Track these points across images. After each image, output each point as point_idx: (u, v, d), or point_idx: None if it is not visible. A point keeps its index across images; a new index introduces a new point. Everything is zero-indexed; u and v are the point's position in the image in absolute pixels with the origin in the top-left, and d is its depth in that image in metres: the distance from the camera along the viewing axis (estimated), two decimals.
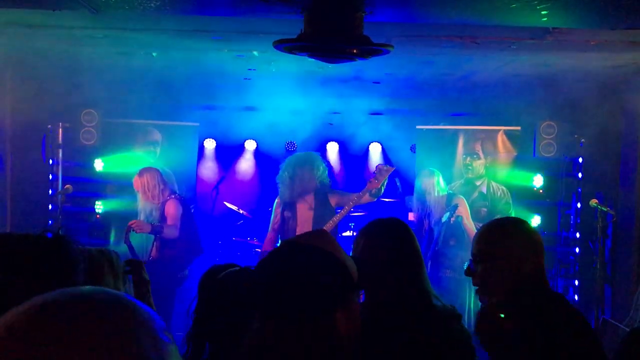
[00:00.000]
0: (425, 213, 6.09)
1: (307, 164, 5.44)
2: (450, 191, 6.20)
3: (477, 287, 2.19)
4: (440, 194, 6.04)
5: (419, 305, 2.23)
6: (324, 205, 5.42)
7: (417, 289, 2.25)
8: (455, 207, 5.77)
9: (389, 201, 7.07)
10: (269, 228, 5.61)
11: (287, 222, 5.40)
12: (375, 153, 7.70)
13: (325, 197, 5.44)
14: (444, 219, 5.77)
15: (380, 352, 2.13)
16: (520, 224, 2.25)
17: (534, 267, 2.12)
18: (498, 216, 6.47)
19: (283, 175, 5.47)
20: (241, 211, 6.99)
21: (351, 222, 6.79)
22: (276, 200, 5.59)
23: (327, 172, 5.54)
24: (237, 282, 1.79)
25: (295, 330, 1.35)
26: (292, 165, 5.46)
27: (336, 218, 5.36)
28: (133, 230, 5.46)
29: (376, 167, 5.51)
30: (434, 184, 6.05)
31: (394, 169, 5.59)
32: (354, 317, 1.42)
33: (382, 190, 5.39)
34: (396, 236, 2.29)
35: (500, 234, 2.17)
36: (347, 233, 6.87)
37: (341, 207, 5.46)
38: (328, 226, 5.30)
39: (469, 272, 2.18)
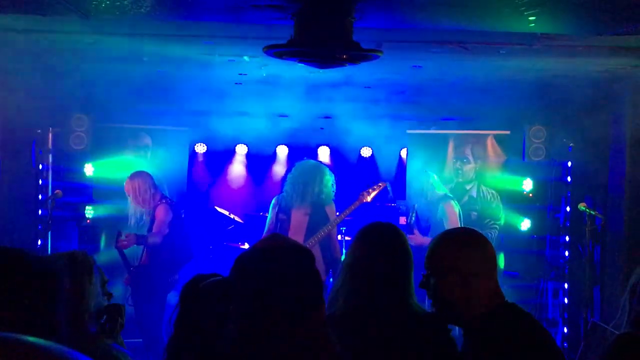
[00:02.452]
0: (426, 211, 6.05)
1: (318, 176, 5.39)
2: (449, 194, 6.13)
3: (431, 300, 2.15)
4: (437, 191, 6.01)
5: (404, 312, 2.26)
6: (319, 213, 5.39)
7: (403, 296, 2.29)
8: (413, 207, 5.80)
9: (379, 205, 7.10)
10: (266, 228, 5.53)
11: (281, 224, 5.37)
12: (366, 157, 7.74)
13: (322, 206, 5.42)
14: (411, 221, 5.77)
15: (364, 356, 2.16)
16: (471, 236, 2.17)
17: (485, 280, 2.06)
18: (488, 220, 6.53)
19: (294, 182, 5.41)
20: (232, 216, 6.98)
21: (342, 227, 6.80)
22: (273, 201, 5.52)
23: (333, 186, 5.46)
24: (217, 291, 1.78)
25: (287, 327, 1.38)
26: (305, 173, 5.41)
27: (327, 228, 5.36)
28: (122, 239, 5.43)
29: (370, 184, 5.54)
30: (432, 182, 6.04)
31: (386, 184, 5.65)
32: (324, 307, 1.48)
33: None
34: (391, 242, 2.34)
35: (450, 246, 2.11)
36: (338, 237, 6.88)
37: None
38: (320, 235, 5.30)
39: (423, 284, 2.13)
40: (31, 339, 0.83)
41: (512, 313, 2.07)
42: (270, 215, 5.51)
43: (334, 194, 5.51)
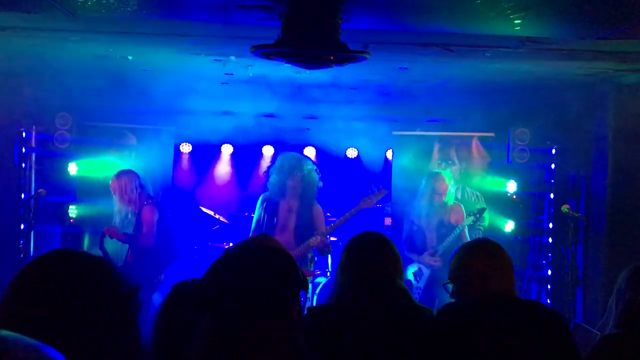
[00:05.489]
0: (418, 214, 5.99)
1: (299, 164, 5.32)
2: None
3: None
4: (448, 203, 5.96)
5: (395, 303, 2.32)
6: (306, 214, 5.31)
7: (394, 289, 2.36)
8: (482, 211, 5.83)
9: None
10: (252, 227, 5.45)
11: (267, 224, 5.27)
12: (352, 158, 7.76)
13: (309, 205, 5.34)
14: (469, 222, 5.79)
15: (355, 345, 2.20)
16: (486, 245, 2.41)
17: (500, 285, 2.25)
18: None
19: (276, 171, 5.35)
20: (217, 216, 6.96)
21: None
22: (260, 198, 5.47)
23: (317, 178, 5.39)
24: (190, 292, 1.78)
25: (257, 326, 1.39)
26: (287, 161, 5.34)
27: (325, 230, 5.29)
28: (108, 236, 5.40)
29: (370, 190, 5.53)
30: (447, 190, 5.96)
31: (386, 192, 5.66)
32: (300, 310, 1.51)
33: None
34: (379, 248, 2.47)
35: (465, 255, 2.34)
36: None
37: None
38: (312, 243, 5.21)
39: (452, 294, 2.35)
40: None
41: (527, 307, 2.25)
42: (257, 214, 5.43)
43: (317, 190, 5.41)
